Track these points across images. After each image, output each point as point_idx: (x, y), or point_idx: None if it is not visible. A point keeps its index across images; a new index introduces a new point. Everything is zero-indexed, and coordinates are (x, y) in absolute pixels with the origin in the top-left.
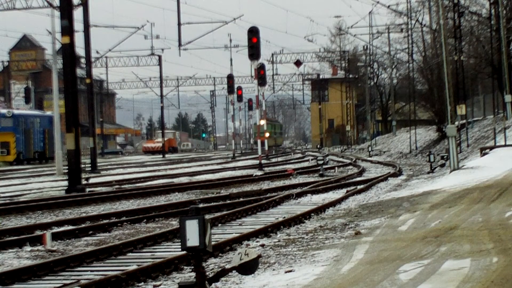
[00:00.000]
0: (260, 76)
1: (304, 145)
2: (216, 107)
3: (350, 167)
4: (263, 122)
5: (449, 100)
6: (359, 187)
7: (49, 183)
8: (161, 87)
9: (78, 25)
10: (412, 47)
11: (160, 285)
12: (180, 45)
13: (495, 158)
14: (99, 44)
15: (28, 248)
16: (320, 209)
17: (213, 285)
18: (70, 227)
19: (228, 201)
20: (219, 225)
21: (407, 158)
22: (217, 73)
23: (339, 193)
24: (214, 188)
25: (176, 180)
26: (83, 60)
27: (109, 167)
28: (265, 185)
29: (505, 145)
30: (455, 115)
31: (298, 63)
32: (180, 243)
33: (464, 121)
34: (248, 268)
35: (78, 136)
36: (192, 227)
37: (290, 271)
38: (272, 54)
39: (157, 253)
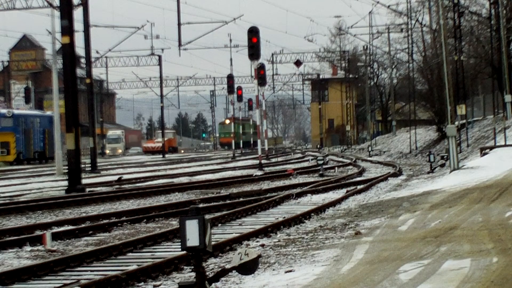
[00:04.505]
0: (260, 76)
1: (304, 145)
2: (216, 107)
3: (350, 167)
4: (228, 121)
5: (449, 100)
6: (359, 187)
7: (49, 183)
8: (161, 87)
9: (78, 25)
10: (412, 47)
11: (160, 285)
12: (180, 45)
13: (495, 158)
14: (99, 44)
15: (28, 248)
16: (320, 209)
17: (213, 285)
18: (70, 227)
19: (228, 201)
20: (219, 225)
21: (407, 158)
22: (217, 73)
23: (339, 193)
24: (214, 188)
25: (176, 180)
26: (83, 60)
27: (109, 167)
28: (265, 185)
29: (505, 145)
30: (455, 115)
31: (298, 63)
32: (180, 243)
33: (464, 121)
34: (248, 268)
35: (78, 136)
36: (192, 227)
37: (290, 271)
38: (272, 54)
39: (157, 253)
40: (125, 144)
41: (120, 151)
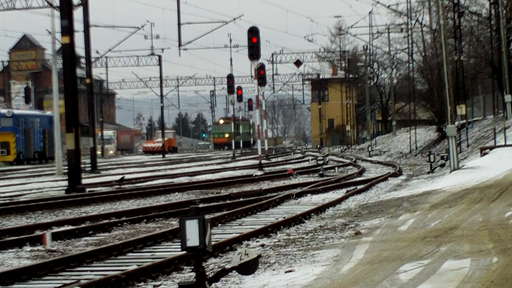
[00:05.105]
0: (260, 76)
1: (304, 145)
2: (216, 107)
3: (350, 167)
4: (222, 121)
5: (449, 100)
6: (359, 187)
7: (49, 183)
8: (161, 87)
9: (78, 25)
10: (412, 47)
11: (160, 285)
12: (180, 45)
13: (495, 158)
14: (99, 44)
15: (28, 248)
16: (320, 209)
17: (213, 285)
18: (70, 227)
19: (228, 201)
20: (219, 225)
21: (407, 158)
22: (217, 73)
23: (339, 193)
24: (214, 188)
25: (176, 180)
26: (83, 60)
27: (109, 167)
28: (265, 185)
29: (505, 145)
30: (455, 115)
31: (298, 63)
32: (180, 243)
33: (464, 121)
34: (248, 268)
35: (78, 136)
36: (192, 227)
37: (290, 271)
38: (272, 54)
39: (157, 253)
40: (117, 144)
41: (111, 152)
